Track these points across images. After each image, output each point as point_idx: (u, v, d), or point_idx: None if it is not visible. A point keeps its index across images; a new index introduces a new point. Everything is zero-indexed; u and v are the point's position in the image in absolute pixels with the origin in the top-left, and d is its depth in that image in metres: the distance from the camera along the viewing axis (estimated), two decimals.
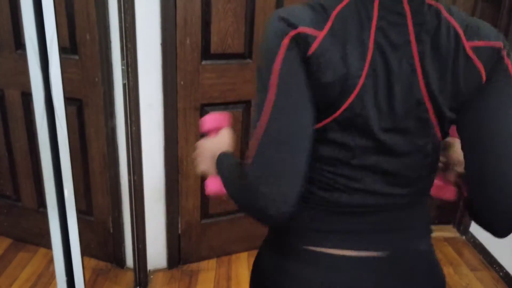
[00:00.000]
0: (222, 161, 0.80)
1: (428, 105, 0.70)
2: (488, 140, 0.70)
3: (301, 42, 0.65)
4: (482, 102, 0.71)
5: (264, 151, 0.66)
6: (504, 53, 0.71)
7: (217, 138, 0.88)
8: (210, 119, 0.91)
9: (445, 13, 0.70)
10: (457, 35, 0.69)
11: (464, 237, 2.54)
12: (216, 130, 0.90)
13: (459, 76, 0.69)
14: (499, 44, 0.71)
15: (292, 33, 0.65)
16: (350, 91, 0.67)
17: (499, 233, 0.73)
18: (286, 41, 0.65)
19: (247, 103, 2.08)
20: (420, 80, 0.69)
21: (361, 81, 0.67)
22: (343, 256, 0.75)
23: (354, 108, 0.68)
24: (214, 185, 0.84)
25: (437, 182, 0.85)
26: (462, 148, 0.74)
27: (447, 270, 2.24)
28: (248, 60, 2.01)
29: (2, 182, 2.24)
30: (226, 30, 1.92)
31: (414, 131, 0.72)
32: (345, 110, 0.68)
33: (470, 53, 0.69)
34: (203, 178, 2.10)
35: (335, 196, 0.75)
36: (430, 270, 0.81)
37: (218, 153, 0.82)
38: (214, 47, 1.93)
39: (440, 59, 0.68)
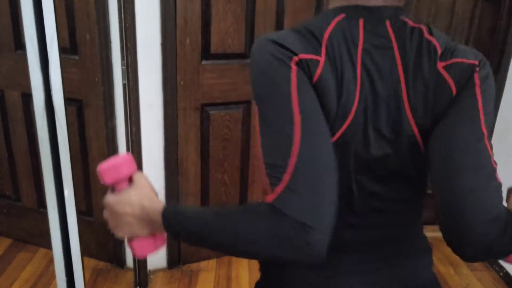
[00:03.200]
0: (181, 212, 0.66)
1: (414, 127, 0.69)
2: (443, 154, 0.66)
3: (304, 68, 0.63)
4: (445, 117, 0.68)
5: (298, 182, 0.58)
6: (477, 70, 0.69)
7: (135, 191, 0.70)
8: (113, 168, 0.69)
9: (427, 35, 0.69)
10: (435, 55, 0.68)
11: None
12: (124, 179, 0.70)
13: (434, 96, 0.68)
14: (474, 62, 0.69)
15: (295, 59, 0.62)
16: (345, 117, 0.65)
17: (467, 258, 0.69)
18: (294, 67, 0.62)
19: (247, 103, 2.08)
20: (405, 103, 0.67)
21: (355, 107, 0.65)
22: None
23: (348, 134, 0.66)
24: (147, 247, 0.72)
25: None
26: (430, 169, 0.70)
27: (447, 270, 2.24)
28: (249, 60, 2.01)
29: (2, 182, 2.24)
30: (226, 30, 1.92)
31: (402, 153, 0.70)
32: (340, 136, 0.66)
33: (442, 71, 0.68)
34: (202, 179, 2.11)
35: (338, 231, 0.69)
36: None
37: (150, 210, 0.67)
38: (214, 47, 1.93)
39: (422, 81, 0.68)
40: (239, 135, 2.12)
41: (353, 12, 0.68)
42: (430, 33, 0.70)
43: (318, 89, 0.63)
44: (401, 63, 0.67)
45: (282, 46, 0.63)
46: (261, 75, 0.64)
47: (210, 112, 2.02)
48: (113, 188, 0.70)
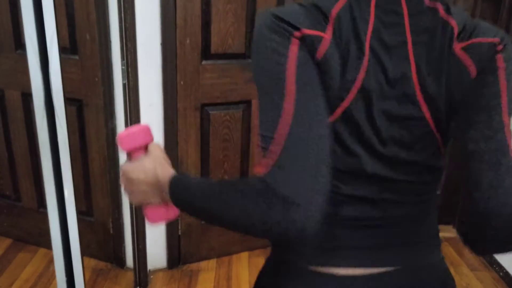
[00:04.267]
0: (184, 185, 0.66)
1: (425, 109, 0.66)
2: (471, 145, 0.64)
3: (308, 45, 0.61)
4: (469, 102, 0.66)
5: (289, 157, 0.57)
6: (499, 49, 0.66)
7: (149, 159, 0.71)
8: (132, 136, 0.72)
9: (443, 13, 0.66)
10: (451, 36, 0.66)
11: None
12: (141, 148, 0.72)
13: (450, 79, 0.66)
14: (495, 40, 0.66)
15: (298, 34, 0.61)
16: (345, 97, 0.64)
17: (480, 251, 0.70)
18: (295, 40, 0.60)
19: (248, 103, 2.08)
20: (415, 85, 0.65)
21: (356, 86, 0.64)
22: (353, 277, 0.71)
23: (350, 114, 0.65)
24: (160, 215, 0.73)
25: None
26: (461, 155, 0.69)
27: None
28: (249, 60, 2.01)
29: (2, 182, 2.24)
30: (226, 30, 1.92)
31: (412, 138, 0.68)
32: (342, 115, 0.65)
33: (459, 52, 0.65)
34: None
35: (340, 208, 0.70)
36: (443, 283, 0.78)
37: (162, 178, 0.68)
38: (214, 47, 1.93)
39: (435, 61, 0.65)
40: (239, 135, 2.12)
41: None
42: (448, 11, 0.67)
43: (321, 66, 0.62)
44: (412, 43, 0.65)
45: (284, 20, 0.61)
46: (260, 47, 0.63)
47: (210, 112, 2.02)
48: (130, 156, 0.73)
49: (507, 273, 2.19)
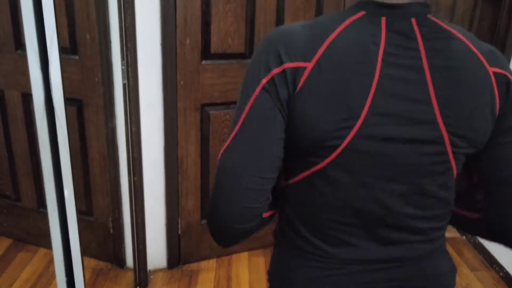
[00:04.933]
0: None
1: (445, 137, 0.64)
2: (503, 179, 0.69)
3: (287, 78, 0.61)
4: (497, 136, 0.67)
5: (218, 183, 0.67)
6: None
7: None
8: None
9: (459, 35, 0.65)
10: (477, 58, 0.64)
11: (464, 237, 2.54)
12: None
13: (479, 103, 0.64)
14: (508, 74, 0.67)
15: (276, 70, 0.62)
16: (349, 128, 0.61)
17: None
18: (264, 81, 0.62)
19: None
20: (436, 111, 0.62)
21: (363, 116, 0.61)
22: None
23: (357, 146, 0.62)
24: None
25: None
26: (481, 180, 0.72)
27: None
28: (249, 60, 2.01)
29: (2, 182, 2.24)
30: (226, 30, 1.92)
31: (426, 169, 0.66)
32: (345, 148, 0.62)
33: (492, 78, 0.64)
34: (202, 179, 2.11)
35: (346, 251, 0.69)
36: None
37: None
38: (214, 47, 1.93)
39: (457, 86, 0.63)
40: None
41: (375, 9, 0.63)
42: (463, 33, 0.66)
43: (304, 94, 0.61)
44: (428, 66, 0.62)
45: (274, 50, 0.63)
46: (247, 69, 0.67)
47: (210, 112, 2.02)
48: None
49: (507, 273, 2.19)
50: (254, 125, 0.64)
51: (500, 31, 2.24)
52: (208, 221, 0.73)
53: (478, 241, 2.42)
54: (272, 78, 0.62)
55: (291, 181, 0.71)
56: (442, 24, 0.65)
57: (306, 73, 0.61)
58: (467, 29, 0.70)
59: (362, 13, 0.64)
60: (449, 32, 0.65)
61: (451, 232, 2.59)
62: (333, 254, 0.70)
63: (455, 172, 0.69)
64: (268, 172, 0.65)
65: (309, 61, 0.61)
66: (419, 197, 0.68)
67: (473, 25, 2.28)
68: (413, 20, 0.63)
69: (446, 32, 0.65)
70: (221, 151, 0.66)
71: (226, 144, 0.66)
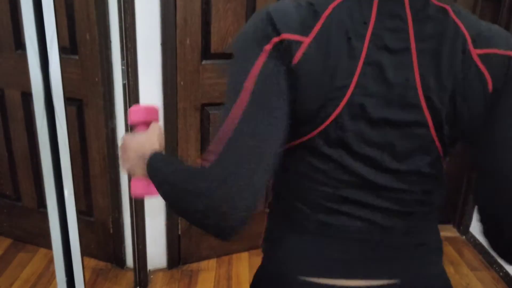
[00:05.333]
0: (155, 162, 0.69)
1: (429, 120, 0.64)
2: (500, 158, 0.63)
3: (285, 50, 0.60)
4: (491, 116, 0.64)
5: (229, 155, 0.59)
6: None
7: (146, 134, 0.78)
8: (138, 111, 0.81)
9: (453, 15, 0.63)
10: (464, 41, 0.62)
11: (464, 237, 2.54)
12: (145, 124, 0.81)
13: (463, 87, 0.62)
14: (509, 53, 0.63)
15: (276, 39, 0.60)
16: (336, 104, 0.62)
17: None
18: (268, 47, 0.60)
19: None
20: (420, 94, 0.63)
21: (349, 93, 0.61)
22: None
23: (341, 123, 0.63)
24: (141, 188, 0.77)
25: None
26: (474, 166, 0.69)
27: (447, 270, 2.23)
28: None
29: (2, 182, 2.24)
30: (226, 30, 1.92)
31: (411, 148, 0.66)
32: (331, 124, 0.63)
33: (477, 61, 0.62)
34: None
35: (335, 219, 0.69)
36: None
37: (147, 152, 0.71)
38: (214, 47, 1.93)
39: (443, 69, 0.62)
40: None
41: None
42: (458, 14, 0.64)
43: (299, 70, 0.61)
44: (416, 50, 0.62)
45: (271, 22, 0.61)
46: (237, 42, 0.64)
47: (210, 112, 2.02)
48: (133, 129, 0.81)
49: (507, 273, 2.19)
50: (265, 95, 0.60)
51: None
52: (211, 208, 0.59)
53: (478, 241, 2.42)
54: (274, 45, 0.60)
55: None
56: (437, 3, 0.64)
57: (304, 47, 0.60)
58: None
59: None
60: (442, 12, 0.63)
61: (451, 232, 2.59)
62: (320, 220, 0.70)
63: (441, 153, 0.68)
64: (276, 152, 0.62)
65: (307, 36, 0.61)
66: (404, 175, 0.68)
67: None
68: (406, 1, 0.62)
69: (438, 13, 0.63)
70: (229, 123, 0.60)
71: (235, 116, 0.59)
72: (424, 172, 0.69)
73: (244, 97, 0.60)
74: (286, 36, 0.60)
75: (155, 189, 0.73)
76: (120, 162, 0.80)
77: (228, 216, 0.58)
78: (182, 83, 1.91)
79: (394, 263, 0.72)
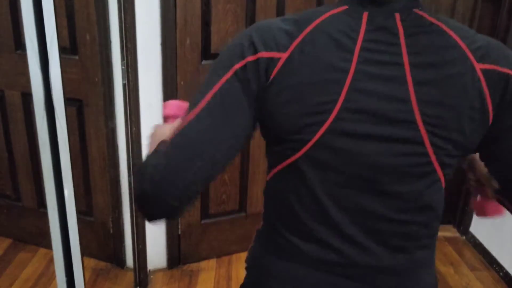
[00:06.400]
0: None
1: (424, 136, 0.60)
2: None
3: (261, 68, 0.60)
4: (493, 134, 0.63)
5: (175, 147, 0.62)
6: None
7: (171, 125, 0.82)
8: (172, 105, 0.86)
9: (446, 29, 0.62)
10: (463, 54, 0.60)
11: (464, 237, 2.54)
12: (175, 117, 0.84)
13: (463, 101, 0.60)
14: (507, 71, 0.62)
15: (250, 58, 0.61)
16: (321, 122, 0.60)
17: None
18: (237, 66, 0.61)
19: None
20: (414, 109, 0.59)
21: (336, 109, 0.59)
22: None
23: (327, 142, 0.61)
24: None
25: (477, 201, 0.77)
26: (493, 171, 0.69)
27: (447, 270, 2.24)
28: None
29: (2, 182, 2.24)
30: (226, 30, 1.92)
31: (404, 170, 0.62)
32: (316, 143, 0.61)
33: (480, 75, 0.60)
34: None
35: (319, 251, 0.67)
36: None
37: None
38: (214, 47, 1.93)
39: (439, 83, 0.60)
40: None
41: (358, 4, 0.62)
42: (452, 27, 0.62)
43: (276, 85, 0.60)
44: (409, 63, 0.60)
45: (251, 40, 0.62)
46: (223, 50, 0.65)
47: None
48: (164, 120, 0.85)
49: (507, 273, 2.19)
50: (218, 109, 0.62)
51: (500, 31, 2.24)
52: (143, 188, 0.63)
53: (478, 241, 2.42)
54: (245, 65, 0.61)
55: (269, 176, 0.70)
56: (429, 18, 0.62)
57: (280, 63, 0.60)
58: None
59: (345, 7, 0.63)
60: (436, 26, 0.62)
61: (451, 232, 2.59)
62: (308, 252, 0.68)
63: (441, 177, 0.65)
64: (221, 158, 0.64)
65: (284, 51, 0.60)
66: (397, 199, 0.64)
67: (473, 25, 2.28)
68: (397, 15, 0.61)
69: (431, 27, 0.62)
70: (179, 126, 0.63)
71: (188, 119, 0.62)
72: (420, 199, 0.65)
73: (202, 103, 0.62)
74: (262, 54, 0.60)
75: None
76: (147, 148, 0.83)
77: (156, 201, 0.62)
78: (182, 83, 1.91)
79: None
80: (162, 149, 0.63)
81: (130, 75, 1.73)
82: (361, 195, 0.64)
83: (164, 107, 0.85)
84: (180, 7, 1.80)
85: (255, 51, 0.61)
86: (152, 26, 1.79)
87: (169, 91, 1.90)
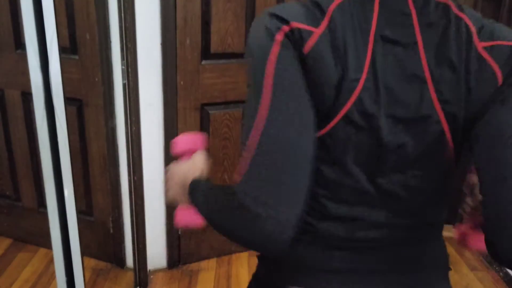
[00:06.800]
0: (196, 187, 0.69)
1: (441, 115, 0.62)
2: (506, 151, 0.59)
3: (296, 39, 0.58)
4: (499, 109, 0.61)
5: (259, 165, 0.56)
6: None
7: (189, 163, 0.77)
8: (183, 141, 0.81)
9: (455, 10, 0.63)
10: (469, 34, 0.62)
11: None
12: (189, 152, 0.80)
13: (471, 80, 0.61)
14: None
15: (286, 28, 0.58)
16: (346, 98, 0.60)
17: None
18: (279, 37, 0.58)
19: None
20: (430, 88, 0.61)
21: (357, 91, 0.59)
22: None
23: (352, 119, 0.60)
24: (184, 216, 0.75)
25: (463, 228, 0.76)
26: (477, 167, 0.64)
27: None
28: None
29: (2, 182, 2.24)
30: (226, 30, 1.92)
31: (422, 147, 0.63)
32: (341, 120, 0.60)
33: (483, 53, 0.61)
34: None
35: (334, 227, 0.66)
36: None
37: (189, 179, 0.71)
38: (214, 47, 1.93)
39: (451, 63, 0.61)
40: (239, 134, 2.12)
41: None
42: (460, 9, 0.63)
43: (310, 60, 0.59)
44: (423, 43, 0.61)
45: (276, 16, 0.60)
46: (248, 47, 0.62)
47: (210, 112, 2.02)
48: (179, 158, 0.82)
49: (507, 273, 2.19)
50: (288, 88, 0.58)
51: None
52: (251, 230, 0.56)
53: None
54: (286, 34, 0.58)
55: None
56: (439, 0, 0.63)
57: (314, 38, 0.58)
58: None
59: None
60: (446, 6, 0.63)
61: (451, 232, 2.59)
62: (321, 230, 0.67)
63: (452, 154, 0.65)
64: (315, 134, 0.60)
65: (317, 27, 0.59)
66: (416, 178, 0.65)
67: None
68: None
69: (443, 7, 0.63)
70: (255, 134, 0.57)
71: (261, 122, 0.56)
72: (433, 180, 0.65)
73: (266, 94, 0.57)
74: (295, 24, 0.58)
75: (199, 218, 0.72)
76: (166, 191, 0.80)
77: (275, 227, 0.55)
78: (182, 83, 1.91)
79: (396, 277, 0.69)
80: (249, 172, 0.57)
81: (130, 75, 1.73)
82: (378, 174, 0.64)
83: (174, 145, 0.80)
84: (180, 7, 1.80)
85: (287, 22, 0.59)
86: (152, 26, 1.79)
87: (169, 91, 1.90)
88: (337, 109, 0.60)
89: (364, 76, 0.60)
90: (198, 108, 1.99)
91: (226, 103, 2.04)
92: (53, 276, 2.01)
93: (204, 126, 2.04)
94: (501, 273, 2.23)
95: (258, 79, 0.58)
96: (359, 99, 0.60)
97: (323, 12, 0.60)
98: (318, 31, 0.59)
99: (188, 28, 1.84)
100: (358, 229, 0.67)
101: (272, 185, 0.55)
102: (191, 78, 1.92)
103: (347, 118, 0.60)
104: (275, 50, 0.58)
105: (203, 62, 1.93)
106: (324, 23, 0.59)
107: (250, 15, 1.94)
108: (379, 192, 0.65)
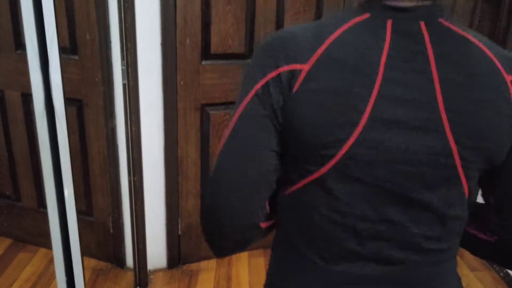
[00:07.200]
0: None
1: (452, 145, 0.58)
2: None
3: (283, 81, 0.59)
4: None
5: (218, 177, 0.64)
6: None
7: None
8: None
9: (474, 40, 0.60)
10: (493, 65, 0.59)
11: None
12: None
13: (491, 111, 0.59)
14: None
15: (271, 75, 0.60)
16: (348, 134, 0.57)
17: None
18: (258, 86, 0.61)
19: None
20: (443, 117, 0.57)
21: (363, 122, 0.57)
22: None
23: (356, 154, 0.58)
24: None
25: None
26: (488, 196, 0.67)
27: None
28: (249, 60, 2.01)
29: (2, 182, 2.24)
30: (226, 31, 1.92)
31: (432, 177, 0.60)
32: (345, 155, 0.58)
33: (511, 87, 0.59)
34: (202, 179, 2.11)
35: (343, 268, 0.65)
36: None
37: None
38: (214, 48, 1.93)
39: (469, 91, 0.58)
40: None
41: (381, 12, 0.60)
42: (481, 40, 0.61)
43: (299, 99, 0.58)
44: (437, 71, 0.58)
45: (272, 53, 0.61)
46: (249, 65, 0.66)
47: (210, 112, 2.02)
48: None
49: (507, 273, 2.19)
50: (243, 132, 0.63)
51: (500, 31, 2.24)
52: (205, 226, 0.67)
53: None
54: (267, 83, 0.60)
55: (289, 191, 0.68)
56: (455, 28, 0.61)
57: (302, 75, 0.58)
58: None
59: (367, 15, 0.60)
60: (462, 36, 0.60)
61: None
62: (330, 270, 0.66)
63: (466, 189, 0.63)
64: (262, 183, 0.64)
65: (305, 63, 0.58)
66: (424, 213, 0.63)
67: (473, 25, 2.28)
68: (422, 24, 0.59)
69: (458, 37, 0.60)
70: (217, 152, 0.65)
71: (220, 147, 0.64)
72: (444, 212, 0.64)
73: (227, 132, 0.64)
74: (283, 68, 0.59)
75: None
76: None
77: (219, 242, 0.68)
78: (182, 83, 1.91)
79: None
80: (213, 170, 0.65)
81: (130, 75, 1.73)
82: (386, 209, 0.62)
83: None
84: (180, 7, 1.80)
85: (276, 66, 0.60)
86: (152, 26, 1.79)
87: (169, 91, 1.90)
88: (340, 145, 0.59)
89: (369, 107, 0.58)
90: (198, 108, 1.99)
91: (227, 104, 2.04)
92: (53, 276, 2.01)
93: (204, 126, 2.04)
94: (501, 274, 2.23)
95: (235, 108, 0.64)
96: (365, 131, 0.58)
97: (319, 41, 0.59)
98: (306, 67, 0.58)
99: (188, 28, 1.85)
100: (367, 266, 0.66)
101: (219, 207, 0.65)
102: (191, 78, 1.93)
103: (350, 152, 0.59)
104: (249, 96, 0.62)
105: (203, 62, 1.93)
106: (316, 55, 0.58)
107: (250, 17, 1.94)
108: (386, 225, 0.64)
